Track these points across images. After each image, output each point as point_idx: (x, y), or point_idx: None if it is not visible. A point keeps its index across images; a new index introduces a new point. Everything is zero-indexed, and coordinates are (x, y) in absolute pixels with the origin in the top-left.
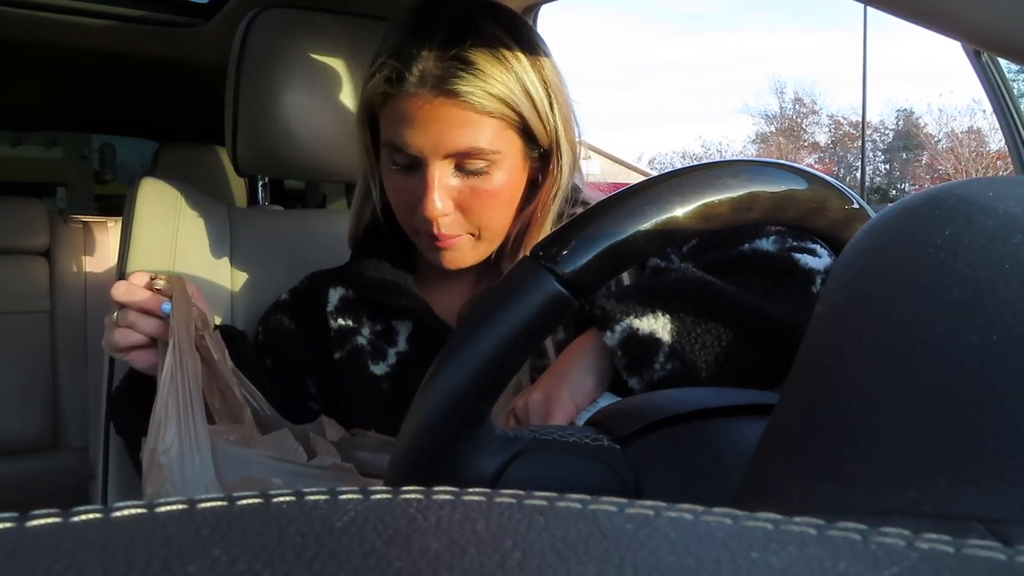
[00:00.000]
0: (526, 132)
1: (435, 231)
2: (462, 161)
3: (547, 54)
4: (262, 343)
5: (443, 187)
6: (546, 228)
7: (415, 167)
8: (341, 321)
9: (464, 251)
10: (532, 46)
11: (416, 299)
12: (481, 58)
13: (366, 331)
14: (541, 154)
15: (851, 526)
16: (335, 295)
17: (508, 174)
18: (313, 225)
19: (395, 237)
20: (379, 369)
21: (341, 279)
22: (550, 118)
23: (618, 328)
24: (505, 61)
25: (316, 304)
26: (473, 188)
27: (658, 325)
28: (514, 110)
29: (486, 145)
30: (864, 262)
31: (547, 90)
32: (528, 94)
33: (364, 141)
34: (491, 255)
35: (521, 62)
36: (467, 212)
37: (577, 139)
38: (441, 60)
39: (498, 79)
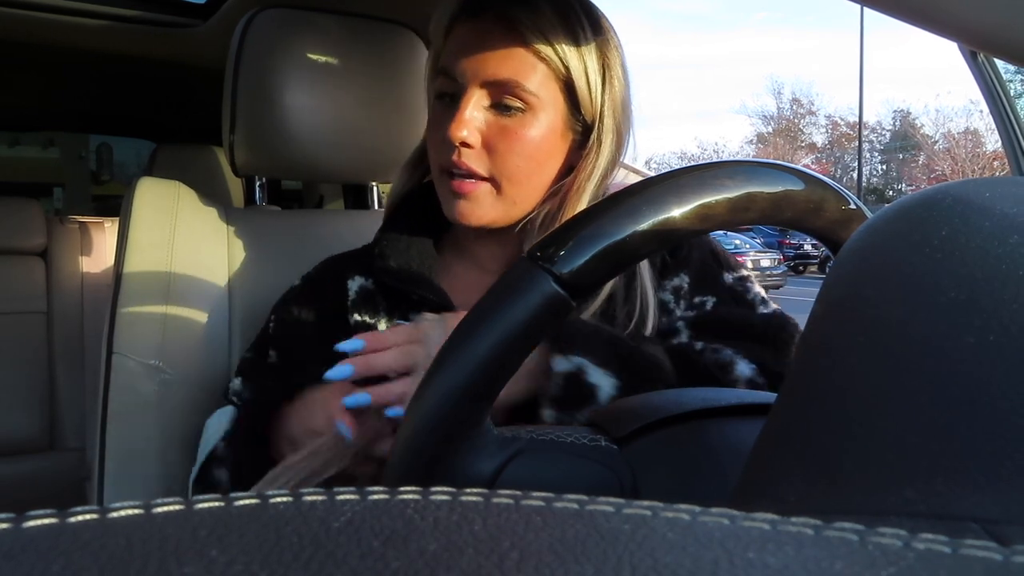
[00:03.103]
0: (571, 94)
1: (455, 159)
2: (499, 96)
3: (614, 42)
4: (273, 332)
5: (473, 114)
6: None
7: (456, 98)
8: (358, 316)
9: (481, 203)
10: (600, 28)
11: (438, 292)
12: (547, 6)
13: (383, 327)
14: (584, 129)
15: (848, 526)
16: (354, 286)
17: (543, 128)
18: (311, 226)
19: (426, 217)
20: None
21: (360, 266)
22: (599, 93)
23: (573, 360)
24: (569, 21)
25: (335, 295)
26: (503, 127)
27: (605, 383)
28: (563, 63)
29: (526, 83)
30: (861, 263)
31: (603, 68)
32: (582, 59)
33: (431, 90)
34: (514, 227)
35: (584, 31)
36: (491, 151)
37: (628, 133)
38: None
39: (557, 28)
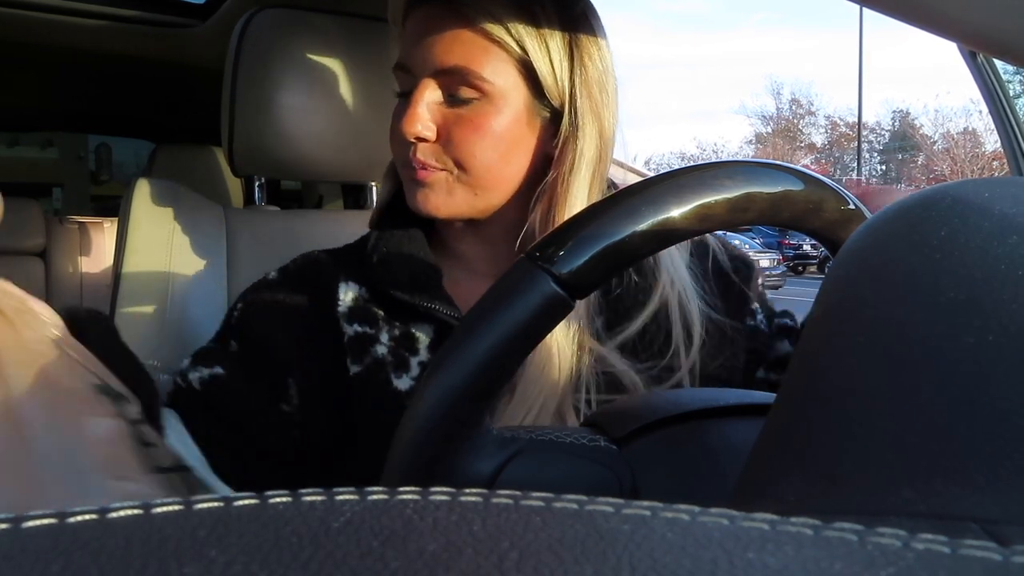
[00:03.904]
0: (533, 80)
1: (411, 156)
2: (452, 86)
3: (589, 22)
4: (235, 321)
5: (426, 106)
6: (575, 210)
7: (410, 91)
8: (357, 327)
9: (439, 192)
10: (568, 5)
11: (447, 301)
12: None
13: (384, 338)
14: (554, 115)
15: (847, 526)
16: (347, 294)
17: (504, 116)
18: (310, 226)
19: (415, 221)
20: (403, 383)
21: (353, 271)
22: (565, 76)
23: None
24: (523, 1)
25: (321, 297)
26: (459, 116)
27: None
28: (519, 45)
29: (479, 69)
30: (860, 263)
31: (571, 48)
32: (542, 40)
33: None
34: (496, 224)
35: (545, 9)
36: (448, 143)
37: (613, 120)
38: None
39: (509, 8)
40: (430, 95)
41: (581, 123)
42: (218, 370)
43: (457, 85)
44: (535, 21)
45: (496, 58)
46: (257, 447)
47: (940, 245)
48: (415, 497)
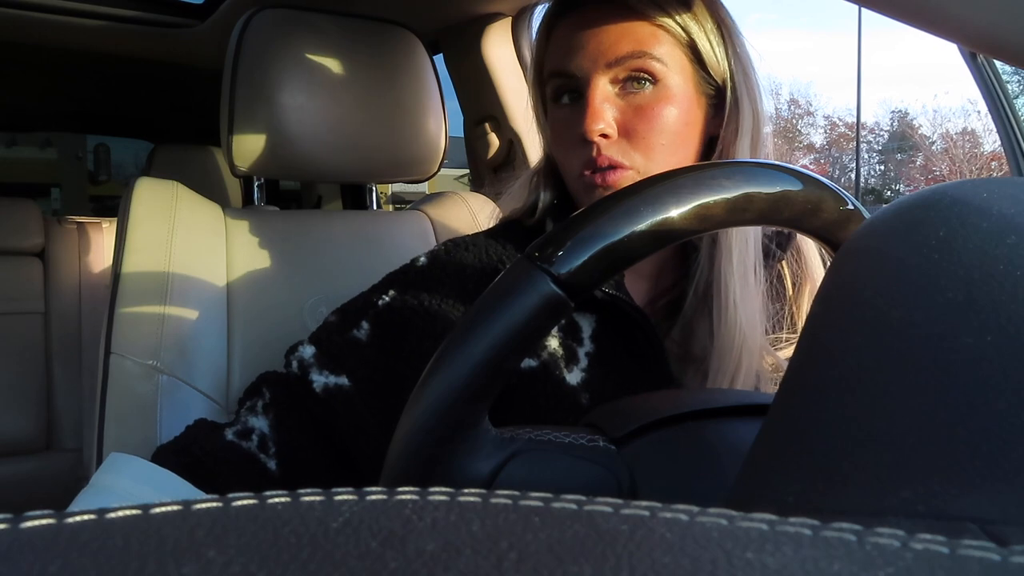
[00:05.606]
0: (697, 58)
1: (595, 156)
2: (626, 74)
3: (723, 6)
4: (383, 309)
5: (604, 101)
6: None
7: (578, 95)
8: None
9: None
10: None
11: (623, 288)
12: None
13: (555, 329)
14: (717, 93)
15: (846, 527)
16: None
17: (678, 98)
18: (309, 226)
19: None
20: (574, 377)
21: (518, 255)
22: (723, 53)
23: None
24: None
25: (482, 291)
26: (638, 107)
27: None
28: (683, 28)
29: (650, 50)
30: (859, 263)
31: (719, 26)
32: (699, 22)
33: (536, 98)
34: None
35: None
36: (631, 136)
37: (760, 90)
38: None
39: None
40: (604, 89)
41: (740, 99)
42: (344, 381)
43: (631, 73)
44: (688, 4)
45: (664, 42)
46: (360, 467)
47: (939, 245)
48: (414, 497)
